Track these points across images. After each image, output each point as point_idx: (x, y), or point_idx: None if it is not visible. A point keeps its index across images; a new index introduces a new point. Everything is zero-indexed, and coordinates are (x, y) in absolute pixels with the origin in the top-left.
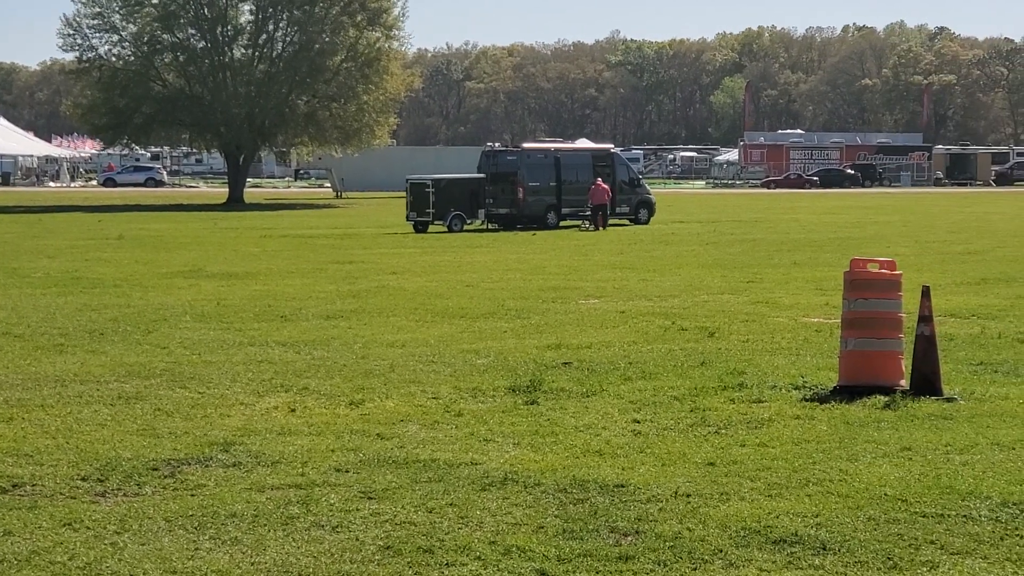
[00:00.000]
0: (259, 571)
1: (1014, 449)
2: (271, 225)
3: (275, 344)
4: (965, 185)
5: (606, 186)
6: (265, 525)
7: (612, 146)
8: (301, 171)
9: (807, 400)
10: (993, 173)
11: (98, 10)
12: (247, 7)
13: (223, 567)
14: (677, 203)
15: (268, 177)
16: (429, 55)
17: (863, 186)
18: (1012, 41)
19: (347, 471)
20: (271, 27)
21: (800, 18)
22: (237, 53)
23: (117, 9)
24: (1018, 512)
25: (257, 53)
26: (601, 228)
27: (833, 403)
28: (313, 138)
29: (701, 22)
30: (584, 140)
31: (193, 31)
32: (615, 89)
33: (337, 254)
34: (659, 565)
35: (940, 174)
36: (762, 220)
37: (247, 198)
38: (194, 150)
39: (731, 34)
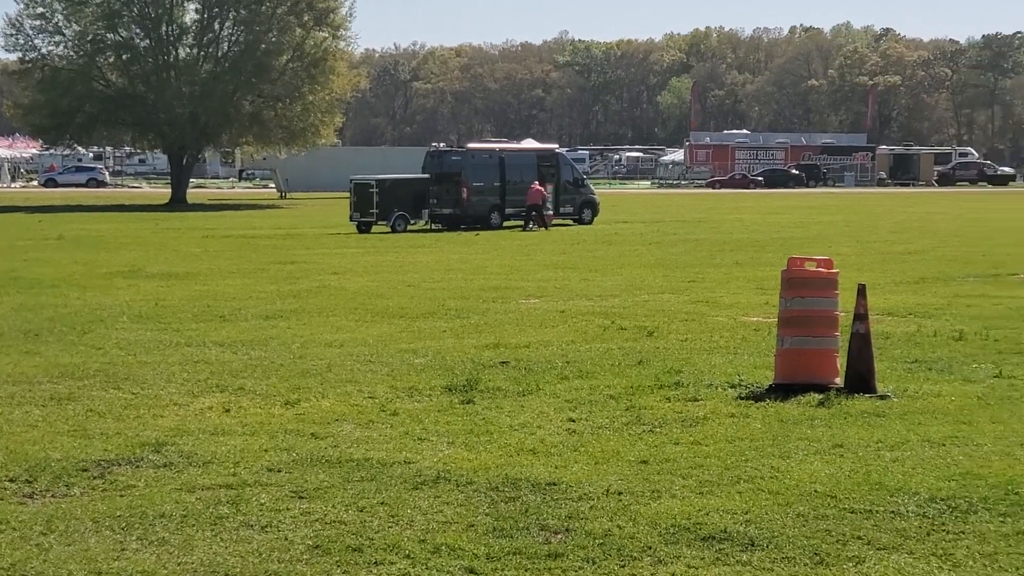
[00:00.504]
0: (186, 571)
1: (944, 446)
2: (213, 225)
3: (212, 344)
4: (908, 185)
5: (541, 188)
6: (194, 525)
7: (557, 146)
8: (245, 171)
9: (743, 398)
10: (936, 174)
11: (41, 10)
12: (192, 6)
13: (149, 567)
14: (622, 203)
15: (212, 177)
16: (376, 55)
17: (807, 186)
18: (956, 43)
19: (279, 471)
20: (217, 26)
21: (747, 19)
22: (182, 52)
23: (60, 9)
24: (945, 508)
25: (202, 52)
26: (538, 228)
27: (768, 401)
28: (258, 138)
29: (649, 23)
30: (530, 140)
31: (137, 30)
32: (562, 89)
33: (279, 254)
34: (588, 563)
35: (883, 174)
36: (706, 220)
37: (190, 199)
38: (137, 150)
39: (679, 35)
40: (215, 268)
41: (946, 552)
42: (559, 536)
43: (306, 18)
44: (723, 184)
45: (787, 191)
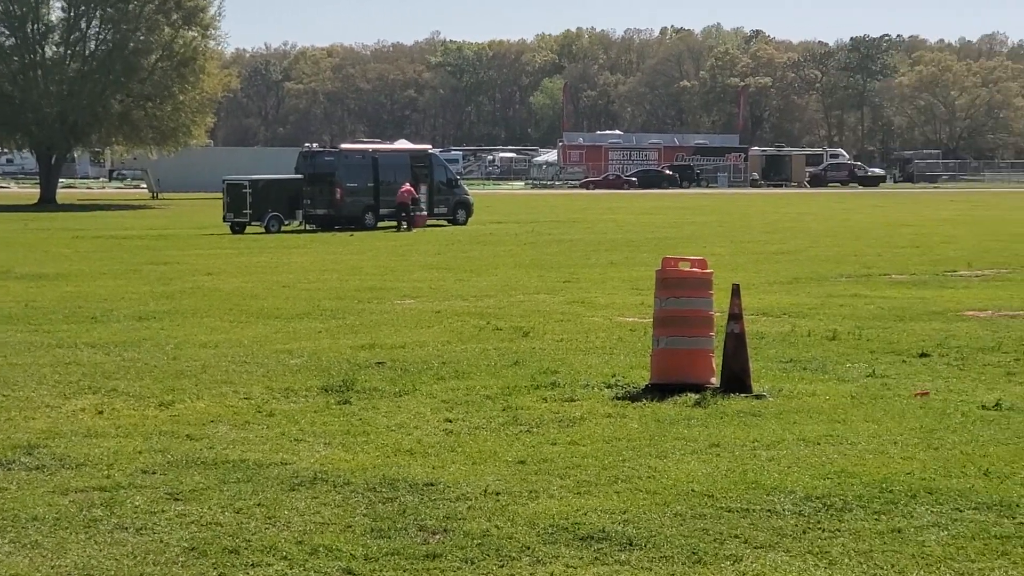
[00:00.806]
0: (59, 574)
1: (819, 444)
2: (84, 226)
3: (84, 346)
4: (780, 186)
5: (411, 188)
6: (67, 528)
7: (430, 147)
8: (116, 172)
9: (619, 398)
10: (807, 175)
11: None
12: (58, 4)
13: (22, 570)
14: (496, 204)
15: (82, 178)
16: (247, 55)
17: (681, 187)
18: (826, 45)
19: (154, 472)
20: (83, 25)
21: (618, 20)
22: (49, 51)
23: None
24: (821, 506)
25: (69, 51)
26: (408, 228)
27: (644, 401)
28: (128, 138)
29: (520, 23)
30: (403, 141)
31: (2, 28)
32: (435, 90)
33: (151, 255)
34: (466, 563)
35: (756, 175)
36: (580, 221)
37: (60, 199)
38: (4, 150)
39: (550, 35)
40: (86, 269)
41: (822, 550)
42: (437, 536)
43: (175, 17)
44: (597, 185)
45: (661, 191)
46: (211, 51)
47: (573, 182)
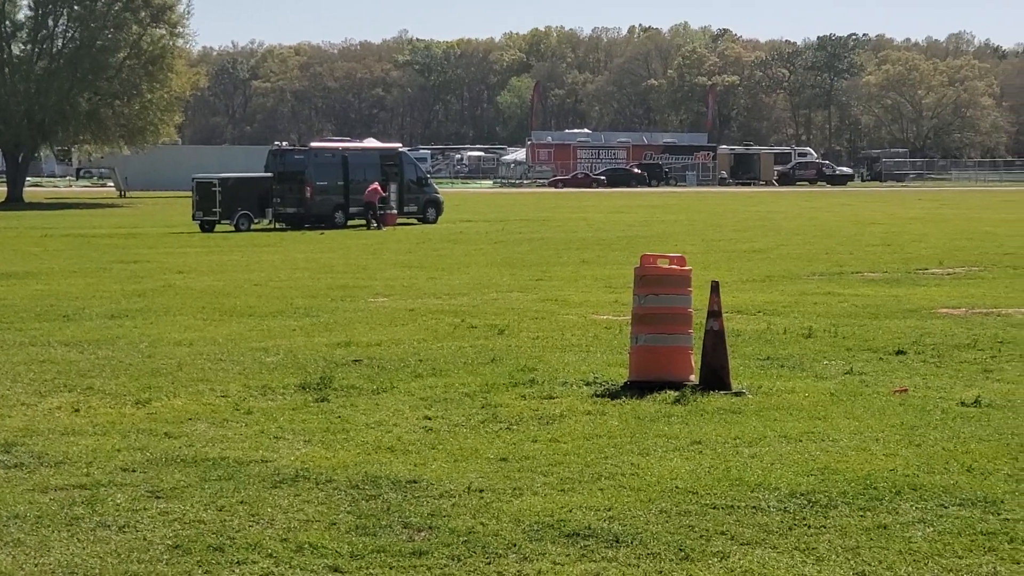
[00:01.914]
0: (44, 572)
1: (801, 441)
2: (52, 224)
3: (58, 344)
4: (749, 185)
5: (378, 186)
6: (49, 526)
7: (400, 145)
8: (84, 170)
9: (598, 396)
10: (776, 173)
11: None
12: (25, 2)
13: (7, 569)
14: (465, 202)
15: (49, 176)
16: (215, 53)
17: (650, 185)
18: (793, 44)
19: (134, 470)
20: (51, 23)
21: (586, 18)
22: (16, 49)
23: None
24: (806, 502)
25: (37, 49)
26: (377, 226)
27: (624, 399)
28: (96, 136)
29: (488, 22)
30: (372, 140)
31: None
32: (403, 89)
33: (122, 253)
34: (453, 560)
35: (725, 174)
36: (550, 219)
37: (27, 197)
38: None
39: (518, 34)
40: (56, 267)
41: (809, 546)
42: (423, 534)
43: (143, 15)
44: (565, 183)
45: (630, 190)
46: (179, 49)
47: (542, 181)
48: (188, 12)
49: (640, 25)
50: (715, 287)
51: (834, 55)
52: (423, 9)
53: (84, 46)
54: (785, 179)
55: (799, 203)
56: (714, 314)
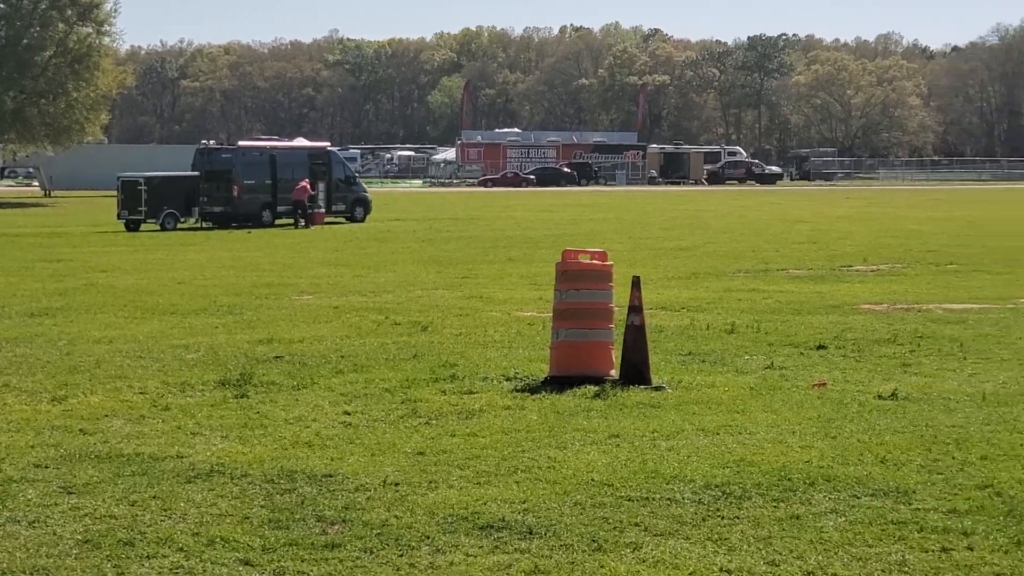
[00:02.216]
0: None
1: (718, 434)
2: None
3: None
4: (679, 184)
5: (307, 185)
6: None
7: (328, 144)
8: (7, 169)
9: (518, 391)
10: (705, 172)
11: None
12: None
13: None
14: (394, 202)
15: None
16: (143, 52)
17: (579, 184)
18: (724, 44)
19: (46, 467)
20: None
21: (518, 18)
22: None
23: None
24: (720, 494)
25: None
26: (306, 225)
27: (544, 393)
28: (21, 135)
29: (419, 21)
30: (302, 139)
31: None
32: (333, 88)
33: (44, 252)
34: (365, 552)
35: (654, 173)
36: (479, 218)
37: None
38: None
39: (449, 34)
40: None
41: (721, 537)
42: (336, 527)
43: (69, 13)
44: (495, 182)
45: (559, 189)
46: (106, 48)
47: (471, 180)
48: (115, 10)
49: (572, 25)
50: (636, 282)
51: (764, 55)
52: (354, 9)
53: (9, 44)
54: (715, 178)
55: (728, 202)
56: (635, 309)
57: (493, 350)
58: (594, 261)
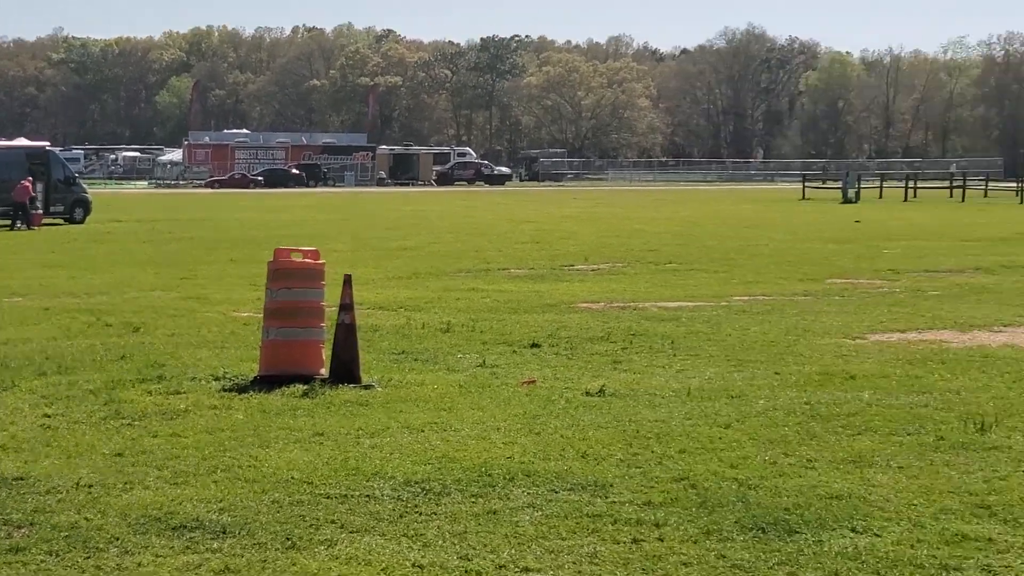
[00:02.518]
0: None
1: (423, 432)
2: None
3: None
4: (408, 185)
5: (28, 184)
6: None
7: (48, 144)
8: None
9: (227, 390)
10: (435, 173)
11: None
12: None
13: None
14: (117, 203)
15: None
16: None
17: (308, 186)
18: (457, 45)
19: None
20: None
21: (249, 18)
22: None
23: None
24: (420, 491)
25: None
26: (26, 227)
27: (252, 393)
28: None
29: (148, 20)
30: (22, 139)
31: None
32: (56, 87)
33: None
34: (51, 555)
35: (383, 174)
36: (203, 219)
37: None
38: None
39: (179, 33)
40: None
41: (417, 532)
42: (23, 531)
43: None
44: (222, 184)
45: (288, 190)
46: None
47: (198, 181)
48: None
49: (304, 25)
50: (347, 280)
51: (497, 56)
52: (79, 6)
53: None
54: (444, 179)
55: (455, 202)
56: (346, 307)
57: (205, 350)
58: (306, 260)
